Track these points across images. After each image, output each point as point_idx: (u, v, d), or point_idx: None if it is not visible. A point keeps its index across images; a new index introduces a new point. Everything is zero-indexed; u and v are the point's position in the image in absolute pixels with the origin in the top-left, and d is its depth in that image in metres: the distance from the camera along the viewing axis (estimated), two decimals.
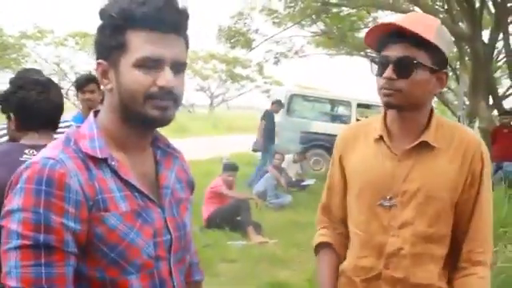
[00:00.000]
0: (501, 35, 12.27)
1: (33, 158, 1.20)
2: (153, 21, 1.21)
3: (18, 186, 1.15)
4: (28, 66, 27.31)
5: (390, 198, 1.71)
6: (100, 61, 1.26)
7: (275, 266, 5.94)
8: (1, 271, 1.16)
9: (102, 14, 1.25)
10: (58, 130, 3.15)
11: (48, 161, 1.16)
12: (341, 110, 14.79)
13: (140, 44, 1.22)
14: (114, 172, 1.23)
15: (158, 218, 1.28)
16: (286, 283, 5.36)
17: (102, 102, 3.05)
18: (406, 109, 1.70)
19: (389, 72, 1.64)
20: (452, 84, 23.51)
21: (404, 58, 1.63)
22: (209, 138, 24.06)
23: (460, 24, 13.09)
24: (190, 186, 1.48)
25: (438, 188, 1.68)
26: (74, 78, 30.44)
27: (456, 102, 16.64)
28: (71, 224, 1.15)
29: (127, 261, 1.21)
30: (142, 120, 1.26)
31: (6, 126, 3.13)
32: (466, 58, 14.21)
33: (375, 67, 1.71)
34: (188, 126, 27.52)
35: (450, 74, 21.45)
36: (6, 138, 3.08)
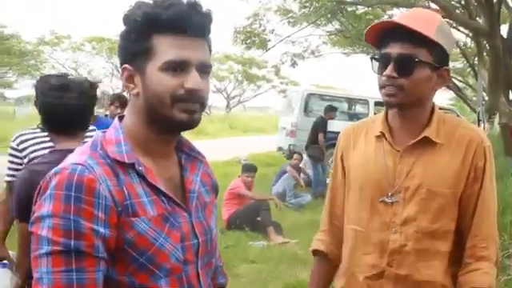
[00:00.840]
0: None
1: (61, 164, 1.20)
2: (178, 25, 1.22)
3: (48, 192, 1.16)
4: (46, 71, 27.66)
5: (392, 195, 1.71)
6: (126, 66, 1.26)
7: (296, 266, 5.94)
8: (31, 277, 1.17)
9: (126, 19, 1.25)
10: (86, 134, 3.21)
11: (77, 166, 1.17)
12: (358, 108, 14.73)
13: (166, 48, 1.22)
14: (142, 177, 1.23)
15: (184, 223, 1.29)
16: (307, 283, 5.35)
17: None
18: (407, 107, 1.70)
19: (390, 70, 1.64)
20: (470, 80, 23.31)
21: (405, 56, 1.63)
22: (226, 139, 24.12)
23: (478, 19, 12.97)
24: (215, 190, 1.48)
25: (441, 183, 1.67)
26: None
27: (475, 98, 16.49)
28: (101, 229, 1.15)
29: (156, 265, 1.21)
30: (170, 123, 1.26)
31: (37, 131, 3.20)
32: (485, 54, 14.07)
33: (376, 65, 1.71)
34: (205, 128, 27.59)
35: (468, 69, 21.30)
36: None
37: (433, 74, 1.67)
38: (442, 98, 36.85)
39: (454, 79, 20.29)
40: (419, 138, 1.70)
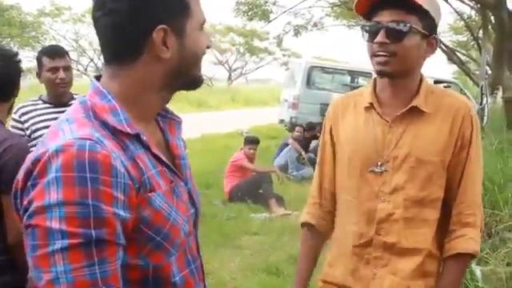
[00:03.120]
0: None
1: (57, 140, 1.02)
2: None
3: (51, 175, 0.97)
4: (47, 43, 27.50)
5: (381, 164, 1.73)
6: (163, 26, 1.10)
7: (298, 237, 5.96)
8: (25, 279, 1.06)
9: None
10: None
11: (85, 142, 1.00)
12: (361, 81, 14.69)
13: (196, 5, 1.16)
14: (146, 147, 1.12)
15: (184, 192, 1.20)
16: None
17: None
18: (398, 75, 1.71)
19: (381, 36, 1.65)
20: (474, 53, 23.13)
21: (396, 22, 1.65)
22: (228, 111, 24.11)
23: None
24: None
25: (429, 152, 1.70)
26: (92, 54, 30.63)
27: (478, 72, 16.40)
28: (121, 212, 1.01)
29: (171, 242, 1.12)
30: (193, 83, 1.21)
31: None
32: (490, 27, 13.94)
33: (366, 35, 1.72)
34: (207, 100, 27.55)
35: (472, 43, 21.13)
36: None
37: (422, 41, 1.69)
38: (445, 71, 36.68)
39: (457, 52, 20.14)
40: (408, 107, 1.72)
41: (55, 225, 0.96)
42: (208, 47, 1.19)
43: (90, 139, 1.01)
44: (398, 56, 1.66)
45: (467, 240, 1.70)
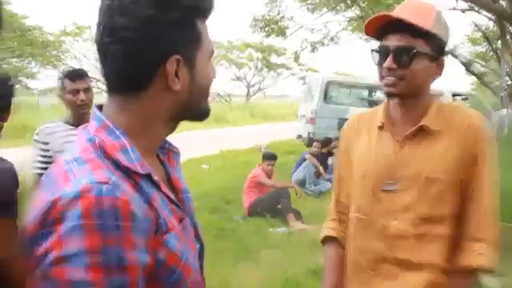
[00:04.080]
0: None
1: (72, 185, 0.95)
2: (211, 9, 1.11)
3: (69, 224, 0.91)
4: (68, 62, 27.93)
5: (393, 183, 1.76)
6: (177, 56, 1.05)
7: (316, 251, 5.98)
8: None
9: (163, 2, 1.03)
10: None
11: (101, 186, 0.94)
12: (378, 95, 14.67)
13: (206, 36, 1.11)
14: (157, 186, 1.06)
15: (189, 227, 1.15)
16: (317, 267, 5.39)
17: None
18: (407, 97, 1.74)
19: (389, 62, 1.69)
20: (493, 64, 22.94)
21: (403, 48, 1.67)
22: (246, 127, 24.17)
23: (501, 1, 12.76)
24: None
25: (439, 171, 1.71)
26: None
27: (497, 83, 16.26)
28: (142, 258, 0.97)
29: (182, 282, 1.07)
30: (202, 115, 1.16)
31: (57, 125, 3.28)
32: (508, 37, 13.86)
33: (376, 56, 1.75)
34: (225, 116, 27.65)
35: (491, 54, 20.96)
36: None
37: (431, 63, 1.72)
38: (463, 83, 36.36)
39: (475, 64, 20.01)
40: (417, 126, 1.74)
41: (78, 275, 0.91)
42: (214, 78, 1.16)
43: (107, 183, 0.95)
44: (406, 80, 1.69)
45: (477, 255, 1.70)
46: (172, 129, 1.15)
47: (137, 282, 0.96)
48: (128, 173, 1.02)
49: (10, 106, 2.27)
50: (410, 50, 1.67)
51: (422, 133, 1.75)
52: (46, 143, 3.21)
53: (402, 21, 1.66)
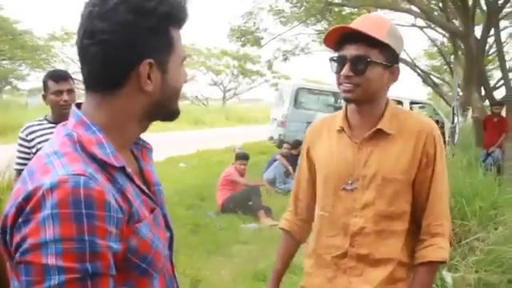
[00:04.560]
0: (492, 31, 12.12)
1: (49, 176, 0.95)
2: (185, 18, 1.11)
3: (46, 212, 0.91)
4: (56, 65, 27.47)
5: (352, 183, 1.76)
6: (150, 60, 1.05)
7: None
8: None
9: (142, 9, 1.03)
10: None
11: (79, 178, 0.94)
12: (343, 101, 14.70)
13: (179, 42, 1.11)
14: (130, 179, 1.07)
15: (160, 217, 1.15)
16: (294, 262, 5.37)
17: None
18: (363, 102, 1.75)
19: (346, 70, 1.69)
20: (446, 77, 23.31)
21: (359, 57, 1.68)
22: (222, 129, 24.10)
23: (454, 21, 12.96)
24: None
25: (394, 171, 1.72)
26: None
27: (450, 94, 16.51)
28: (114, 245, 0.96)
29: (154, 267, 1.08)
30: (171, 115, 1.16)
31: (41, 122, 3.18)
32: (460, 53, 14.08)
33: (334, 65, 1.75)
34: (203, 118, 27.54)
35: (445, 67, 21.31)
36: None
37: (384, 71, 1.72)
38: (421, 93, 36.91)
39: (431, 76, 20.30)
40: (373, 130, 1.75)
41: (51, 261, 0.90)
42: (185, 82, 1.17)
43: (84, 175, 0.95)
44: (362, 86, 1.70)
45: (437, 249, 1.72)
46: (144, 128, 1.15)
47: (108, 268, 0.95)
48: (103, 166, 1.02)
49: None
50: (364, 58, 1.69)
51: (378, 136, 1.76)
52: (29, 140, 3.10)
53: (359, 32, 1.67)
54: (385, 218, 1.73)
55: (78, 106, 1.11)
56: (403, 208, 1.74)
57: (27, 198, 0.94)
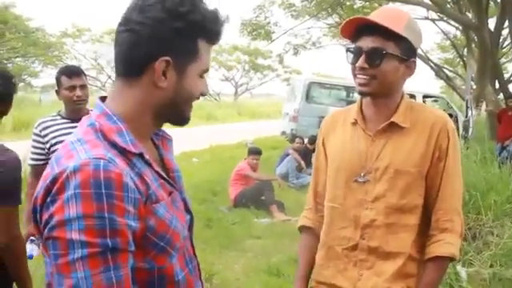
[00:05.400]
0: (506, 23, 11.99)
1: (73, 160, 1.05)
2: (218, 38, 1.20)
3: (70, 192, 1.01)
4: (68, 62, 27.65)
5: (364, 175, 1.75)
6: (167, 58, 1.13)
7: (297, 241, 5.94)
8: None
9: (181, 14, 1.12)
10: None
11: (99, 161, 1.03)
12: (356, 95, 14.61)
13: (206, 55, 1.19)
14: (148, 164, 1.15)
15: (179, 201, 1.24)
16: (291, 257, 5.34)
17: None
18: (378, 95, 1.74)
19: (361, 61, 1.68)
20: (460, 70, 23.11)
21: (374, 49, 1.67)
22: (234, 124, 24.10)
23: (467, 13, 12.82)
24: None
25: (407, 163, 1.71)
26: (110, 72, 30.80)
27: (464, 87, 16.37)
28: (132, 223, 1.05)
29: (172, 246, 1.16)
30: (180, 120, 1.23)
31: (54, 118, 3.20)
32: (473, 45, 13.94)
33: (350, 56, 1.74)
34: (215, 114, 27.56)
35: (458, 60, 21.12)
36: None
37: (400, 65, 1.71)
38: (433, 86, 36.61)
39: (444, 69, 20.13)
40: (387, 123, 1.75)
41: (75, 236, 1.00)
42: (203, 94, 1.23)
43: (104, 159, 1.04)
44: (377, 79, 1.69)
45: (444, 244, 1.70)
46: (158, 126, 1.24)
47: (127, 244, 1.04)
48: (123, 152, 1.10)
49: (11, 98, 2.22)
50: (380, 51, 1.67)
51: (391, 129, 1.75)
52: (43, 136, 3.12)
53: (376, 24, 1.65)
54: (396, 210, 1.72)
55: (102, 99, 1.20)
56: (415, 202, 1.72)
57: (54, 181, 1.03)
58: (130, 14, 1.14)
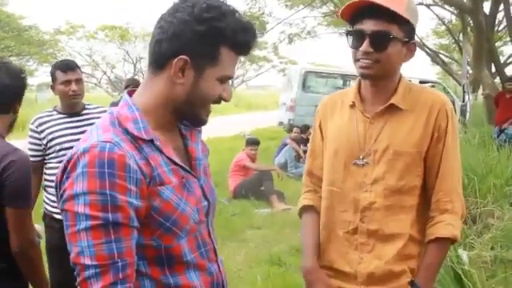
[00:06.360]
0: (501, 6, 11.95)
1: (84, 142, 1.17)
2: (245, 50, 1.27)
3: (78, 170, 1.13)
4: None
5: (363, 157, 1.74)
6: (185, 57, 1.21)
7: (298, 230, 5.95)
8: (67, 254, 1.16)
9: (208, 19, 1.21)
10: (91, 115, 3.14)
11: (105, 144, 1.15)
12: (352, 83, 14.55)
13: (228, 63, 1.26)
14: (159, 150, 1.24)
15: (196, 188, 1.31)
16: (291, 244, 5.34)
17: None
18: (379, 78, 1.72)
19: (366, 45, 1.65)
20: (455, 55, 23.07)
21: (380, 32, 1.64)
22: (231, 116, 24.06)
23: None
24: (208, 154, 1.50)
25: (406, 144, 1.70)
26: (105, 68, 30.73)
27: (460, 72, 16.36)
28: (134, 201, 1.15)
29: (179, 228, 1.24)
30: (193, 120, 1.32)
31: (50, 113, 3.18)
32: (469, 30, 13.91)
33: (351, 40, 1.71)
34: (212, 106, 27.45)
35: (454, 45, 21.07)
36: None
37: (403, 48, 1.69)
38: (430, 72, 36.58)
39: (440, 55, 20.10)
40: (386, 105, 1.73)
41: (81, 209, 1.12)
42: (224, 99, 1.30)
43: (110, 142, 1.16)
44: (380, 63, 1.66)
45: (445, 226, 1.69)
46: (176, 120, 1.33)
47: (128, 219, 1.14)
48: (134, 137, 1.21)
49: (22, 97, 2.19)
50: (386, 34, 1.64)
51: (390, 110, 1.73)
52: (40, 132, 3.10)
53: (378, 6, 1.61)
54: (394, 192, 1.70)
55: (130, 93, 1.32)
56: (414, 182, 1.71)
57: (69, 160, 1.17)
58: (166, 12, 1.24)
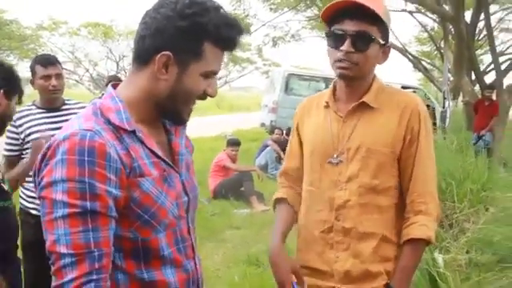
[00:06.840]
0: (482, 15, 12.14)
1: (65, 130, 1.17)
2: (231, 46, 1.27)
3: (58, 157, 1.12)
4: None
5: (337, 156, 1.75)
6: (168, 53, 1.21)
7: None
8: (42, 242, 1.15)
9: (191, 15, 1.21)
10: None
11: (86, 132, 1.14)
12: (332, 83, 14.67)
13: (213, 58, 1.25)
14: (141, 142, 1.24)
15: (177, 182, 1.31)
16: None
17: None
18: (356, 79, 1.73)
19: (347, 45, 1.65)
20: (437, 62, 23.34)
21: (362, 33, 1.65)
22: (213, 117, 24.02)
23: (444, 6, 12.95)
24: (192, 150, 1.51)
25: (378, 143, 1.71)
26: (88, 65, 30.44)
27: (441, 79, 16.55)
28: (113, 190, 1.14)
29: (158, 221, 1.23)
30: (177, 118, 1.32)
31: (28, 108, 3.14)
32: (450, 37, 14.09)
33: (332, 40, 1.71)
34: (195, 106, 27.37)
35: (435, 52, 21.31)
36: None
37: (380, 49, 1.72)
38: (411, 78, 36.95)
39: (422, 61, 20.32)
40: (357, 102, 1.74)
41: (59, 197, 1.11)
42: (209, 95, 1.29)
43: (91, 130, 1.15)
44: (359, 65, 1.68)
45: (419, 226, 1.69)
46: (159, 116, 1.32)
47: (106, 208, 1.13)
48: (116, 128, 1.20)
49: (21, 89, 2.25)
50: (368, 35, 1.65)
51: (362, 108, 1.75)
52: (18, 126, 3.06)
53: (361, 7, 1.62)
54: (369, 190, 1.71)
55: (114, 86, 1.32)
56: (389, 183, 1.72)
57: (48, 147, 1.16)
58: (151, 8, 1.25)
